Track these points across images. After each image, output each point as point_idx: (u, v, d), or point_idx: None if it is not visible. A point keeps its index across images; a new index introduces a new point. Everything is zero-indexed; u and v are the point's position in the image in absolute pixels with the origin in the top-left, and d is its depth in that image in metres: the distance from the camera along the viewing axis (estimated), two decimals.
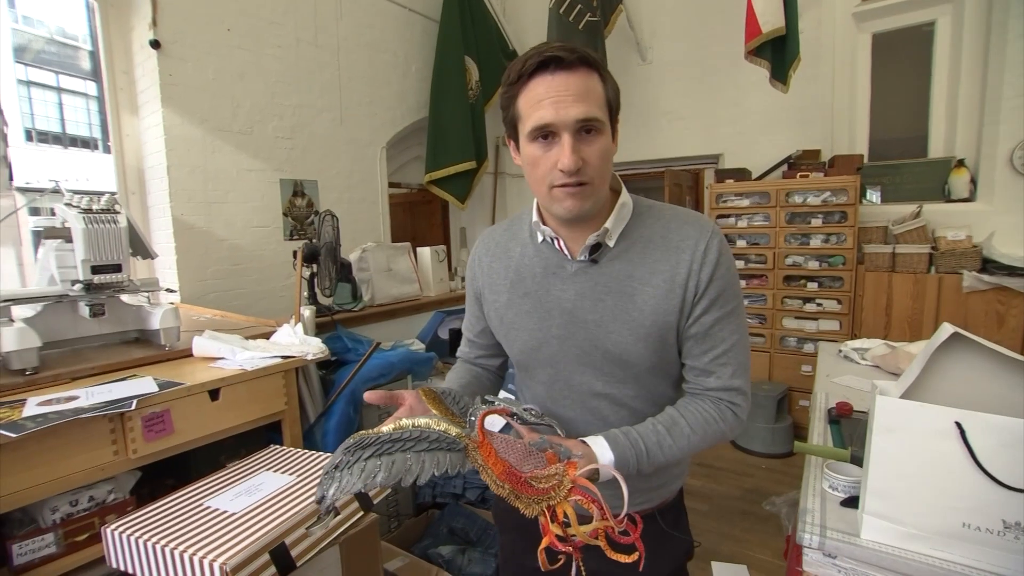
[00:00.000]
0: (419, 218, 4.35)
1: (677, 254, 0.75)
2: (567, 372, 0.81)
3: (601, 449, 0.70)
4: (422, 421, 0.63)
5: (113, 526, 0.96)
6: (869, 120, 3.15)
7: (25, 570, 1.01)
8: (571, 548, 0.61)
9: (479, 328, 0.94)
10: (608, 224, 0.76)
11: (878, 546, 0.73)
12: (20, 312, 1.34)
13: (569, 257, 0.80)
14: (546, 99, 0.68)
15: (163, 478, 1.32)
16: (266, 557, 0.88)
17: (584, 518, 0.60)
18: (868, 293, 2.83)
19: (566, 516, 0.60)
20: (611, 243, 0.77)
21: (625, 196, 0.79)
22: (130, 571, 0.93)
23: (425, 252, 2.68)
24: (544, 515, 0.61)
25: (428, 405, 0.70)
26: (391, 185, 3.47)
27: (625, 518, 0.61)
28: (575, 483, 0.62)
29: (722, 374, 0.75)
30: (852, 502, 0.83)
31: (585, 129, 0.69)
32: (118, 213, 1.34)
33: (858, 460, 0.91)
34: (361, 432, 0.60)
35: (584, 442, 0.70)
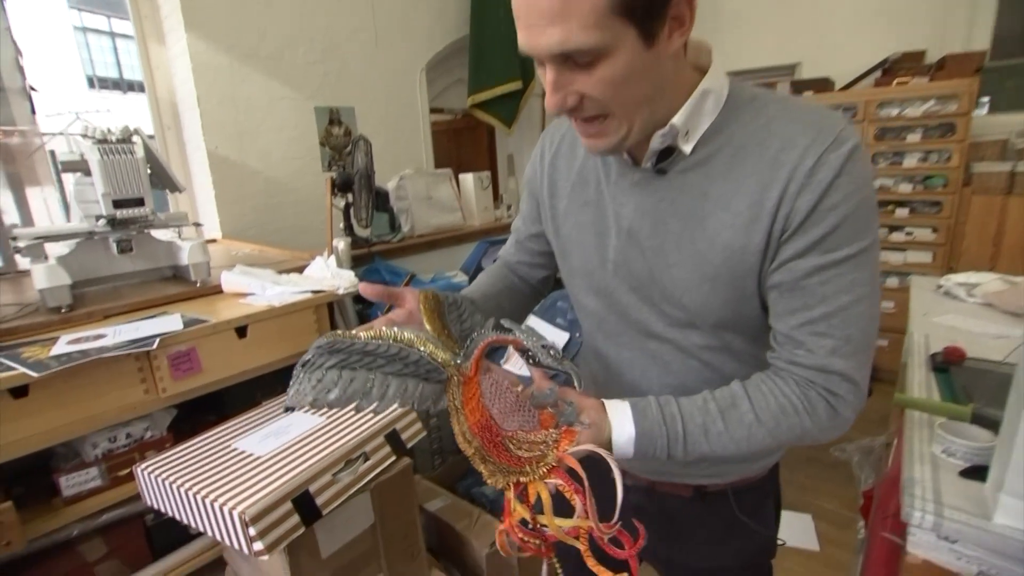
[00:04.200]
0: (464, 146, 4.16)
1: (773, 169, 0.53)
2: (623, 304, 0.67)
3: (621, 420, 0.56)
4: (407, 335, 0.51)
5: (143, 465, 0.94)
6: (997, 7, 2.59)
7: (74, 501, 1.03)
8: (538, 541, 0.48)
9: (533, 231, 0.80)
10: (677, 120, 0.55)
11: (1019, 535, 0.57)
12: (57, 250, 1.32)
13: (631, 163, 0.62)
14: (521, 18, 0.49)
15: (205, 414, 1.32)
16: (288, 506, 0.83)
17: (564, 507, 0.48)
18: (973, 220, 2.45)
19: (539, 500, 0.48)
20: (687, 148, 0.57)
21: (713, 80, 0.56)
22: (161, 510, 0.92)
23: (468, 179, 2.51)
24: (509, 489, 0.49)
25: (423, 316, 0.57)
26: (433, 111, 3.28)
27: (618, 524, 0.48)
28: (560, 460, 0.49)
29: (816, 347, 0.54)
30: (976, 473, 0.66)
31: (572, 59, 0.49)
32: (134, 143, 1.26)
33: (984, 420, 0.73)
34: (338, 332, 0.49)
35: (604, 406, 0.57)
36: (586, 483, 0.48)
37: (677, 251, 0.59)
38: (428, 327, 0.57)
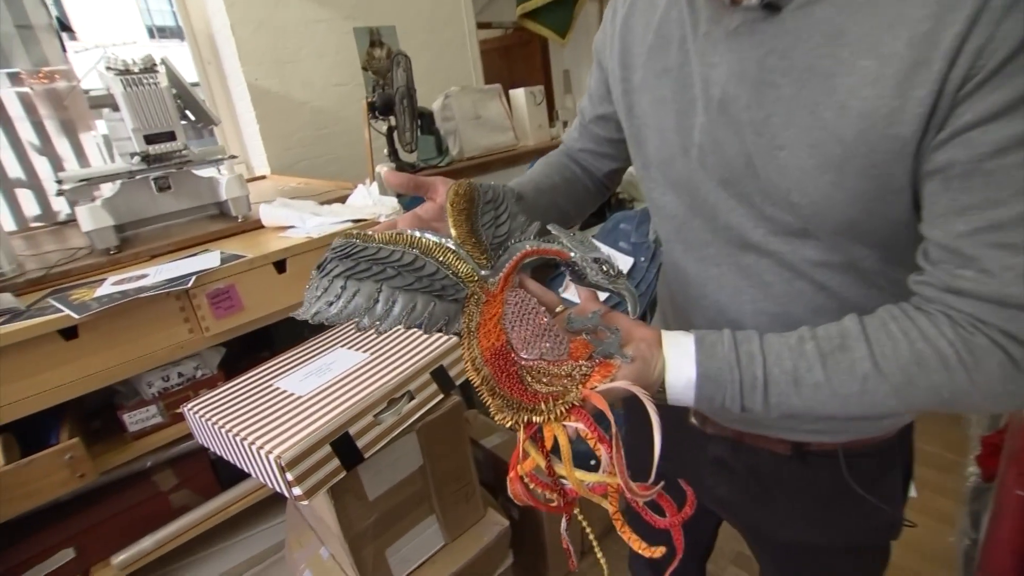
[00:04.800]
0: (516, 63, 3.87)
1: None
2: (709, 203, 0.51)
3: (680, 358, 0.43)
4: (428, 240, 0.45)
5: (190, 405, 0.93)
6: None
7: (140, 436, 1.06)
8: (555, 495, 0.39)
9: (601, 112, 0.65)
10: None
11: None
12: (105, 192, 1.31)
13: (727, 2, 0.44)
14: None
15: (258, 351, 1.32)
16: (327, 449, 0.79)
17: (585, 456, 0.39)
18: None
19: (557, 445, 0.38)
20: None
21: None
22: (210, 449, 0.92)
23: (519, 95, 2.30)
24: (520, 429, 0.39)
25: (449, 217, 0.48)
26: (481, 26, 3.01)
27: (659, 485, 0.38)
28: (585, 399, 0.38)
29: (996, 267, 0.35)
30: None
31: None
32: (157, 72, 1.19)
33: None
34: (354, 232, 0.44)
35: (659, 339, 0.44)
36: (614, 429, 0.37)
37: (788, 126, 0.41)
38: (453, 232, 0.47)
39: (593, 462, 0.38)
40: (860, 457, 0.56)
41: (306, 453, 0.76)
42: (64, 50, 1.43)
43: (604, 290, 0.46)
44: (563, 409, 0.37)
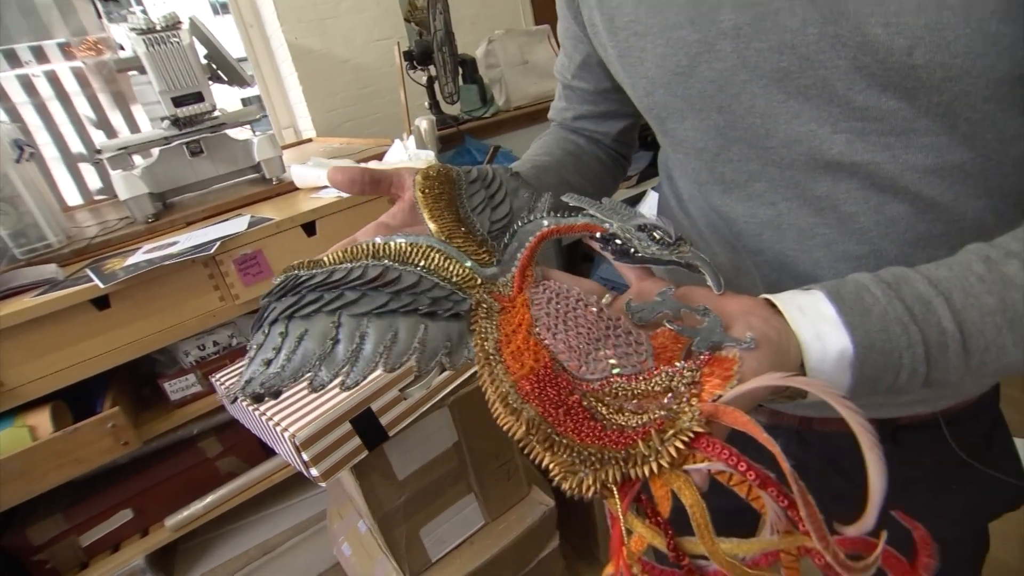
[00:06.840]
0: None
1: None
2: (758, 116, 0.36)
3: (815, 324, 0.27)
4: (399, 244, 0.33)
5: (218, 376, 0.90)
6: None
7: (181, 405, 1.06)
8: None
9: (580, 57, 0.51)
10: None
11: None
12: (144, 161, 1.30)
13: None
14: None
15: None
16: (347, 427, 0.72)
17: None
18: None
19: (678, 506, 0.23)
20: None
21: None
22: (239, 420, 0.88)
23: None
24: (612, 496, 0.23)
25: (421, 208, 0.36)
26: None
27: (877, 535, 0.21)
28: (712, 417, 0.23)
29: None
30: None
31: None
32: (179, 28, 1.13)
33: None
34: (296, 264, 0.32)
35: (771, 305, 0.29)
36: (785, 461, 0.21)
37: None
38: (431, 225, 0.35)
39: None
40: (960, 423, 0.45)
41: (323, 431, 0.70)
42: (100, 17, 1.41)
43: (663, 264, 0.32)
44: (680, 443, 0.22)
